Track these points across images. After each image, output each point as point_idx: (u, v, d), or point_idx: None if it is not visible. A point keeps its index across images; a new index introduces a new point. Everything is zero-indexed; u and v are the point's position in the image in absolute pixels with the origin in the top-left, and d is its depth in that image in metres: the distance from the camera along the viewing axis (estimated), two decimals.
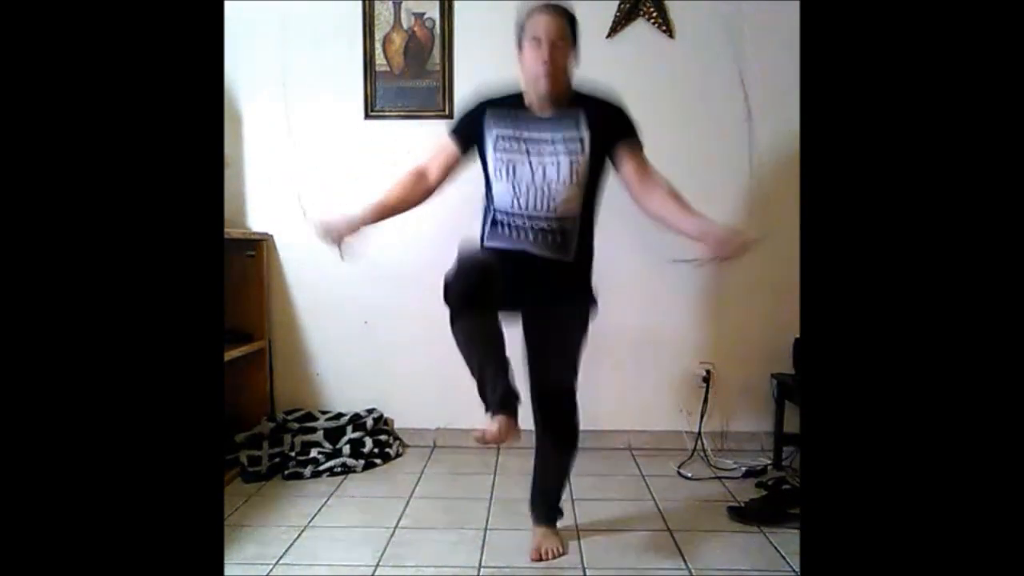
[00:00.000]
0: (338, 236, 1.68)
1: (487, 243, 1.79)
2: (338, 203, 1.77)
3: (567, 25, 1.73)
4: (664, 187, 1.77)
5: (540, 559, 1.83)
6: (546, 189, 1.71)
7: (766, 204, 2.71)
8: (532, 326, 1.81)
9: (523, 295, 1.72)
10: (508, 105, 1.80)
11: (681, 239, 1.76)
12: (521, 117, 1.76)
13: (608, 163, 1.79)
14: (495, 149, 1.76)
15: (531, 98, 1.76)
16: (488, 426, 1.61)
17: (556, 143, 1.72)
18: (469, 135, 1.80)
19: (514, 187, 1.73)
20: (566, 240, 1.73)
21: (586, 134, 1.72)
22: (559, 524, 1.96)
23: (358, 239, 1.70)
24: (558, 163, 1.71)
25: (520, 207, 1.72)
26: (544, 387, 1.82)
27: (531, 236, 1.72)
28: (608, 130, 1.75)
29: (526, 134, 1.74)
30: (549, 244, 1.72)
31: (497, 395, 1.62)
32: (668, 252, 2.65)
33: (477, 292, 1.60)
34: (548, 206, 1.71)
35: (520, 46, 1.74)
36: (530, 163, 1.72)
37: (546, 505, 1.94)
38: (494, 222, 1.78)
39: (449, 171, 1.83)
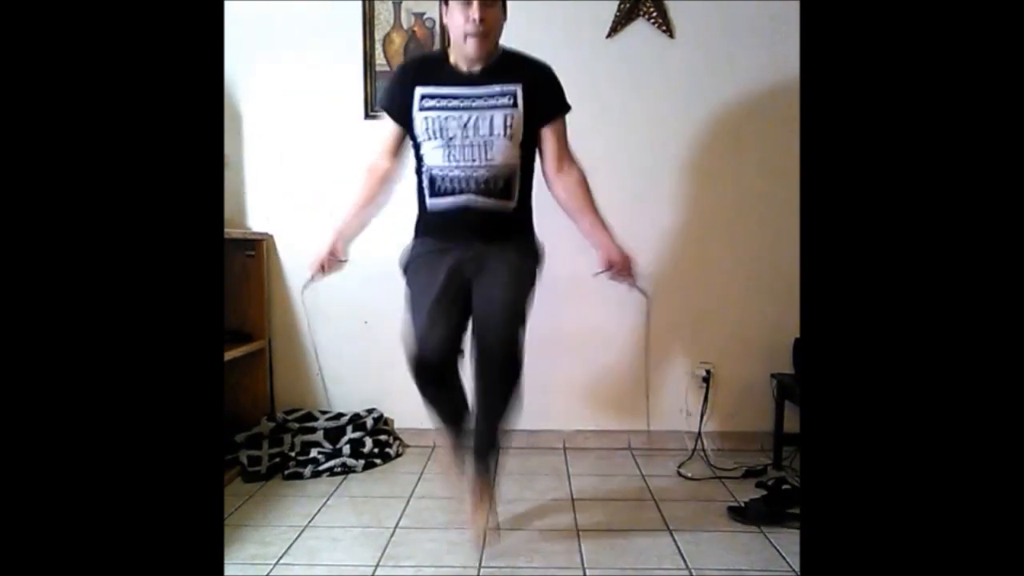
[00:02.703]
0: (328, 265, 1.78)
1: (430, 204, 1.74)
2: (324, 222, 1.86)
3: None
4: (578, 175, 1.75)
5: (472, 525, 1.82)
6: (480, 144, 1.66)
7: (766, 204, 2.71)
8: (476, 280, 1.71)
9: (468, 256, 1.68)
10: (432, 65, 1.75)
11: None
12: (447, 76, 1.70)
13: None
14: (421, 108, 1.70)
15: (457, 58, 1.70)
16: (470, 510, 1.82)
17: (487, 98, 1.67)
18: (398, 104, 1.75)
19: (446, 144, 1.68)
20: (508, 186, 1.70)
21: (519, 88, 1.67)
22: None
23: (342, 256, 1.79)
24: (491, 117, 1.66)
25: (456, 161, 1.68)
26: (486, 334, 1.68)
27: (471, 184, 1.68)
28: (539, 91, 1.71)
29: (454, 91, 1.69)
30: (491, 188, 1.68)
31: (455, 435, 1.80)
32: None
33: (441, 378, 1.69)
34: (484, 156, 1.66)
35: (446, 3, 1.68)
36: (460, 118, 1.67)
37: (487, 440, 1.81)
38: (431, 180, 1.72)
39: (397, 149, 1.81)
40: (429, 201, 1.75)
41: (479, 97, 1.68)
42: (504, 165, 1.68)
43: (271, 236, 2.80)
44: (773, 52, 2.63)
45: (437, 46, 2.69)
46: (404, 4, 2.70)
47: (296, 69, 2.74)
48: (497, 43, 1.72)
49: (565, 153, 1.75)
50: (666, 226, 2.73)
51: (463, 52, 1.67)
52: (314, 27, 2.72)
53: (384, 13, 2.71)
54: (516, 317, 1.68)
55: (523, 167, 1.73)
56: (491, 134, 1.66)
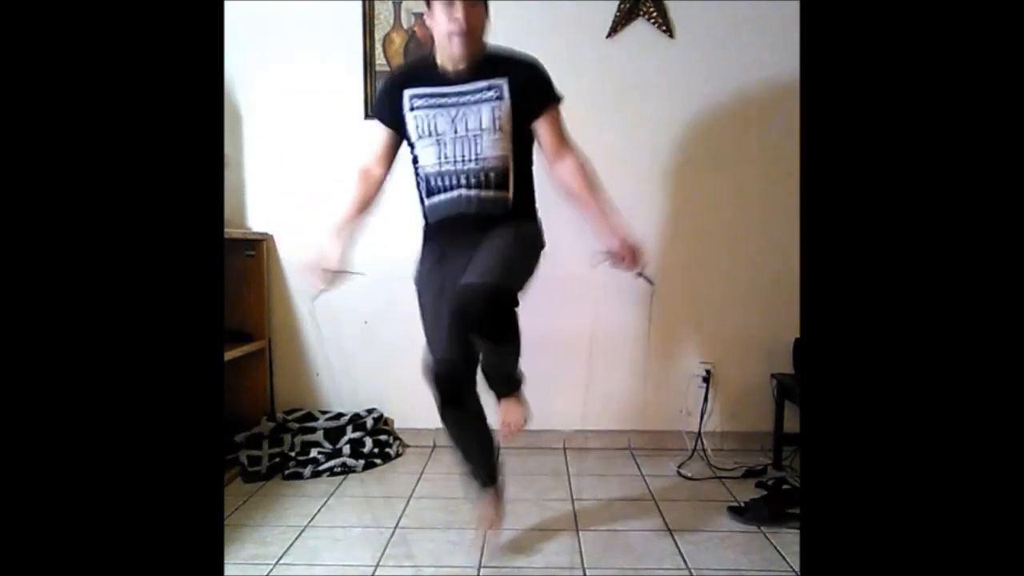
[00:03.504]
0: (332, 276, 1.69)
1: (428, 205, 1.77)
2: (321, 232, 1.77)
3: None
4: (576, 160, 1.74)
5: (509, 433, 1.80)
6: (470, 138, 1.68)
7: (766, 204, 2.71)
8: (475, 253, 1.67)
9: (468, 256, 1.65)
10: (419, 69, 1.78)
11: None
12: (435, 77, 1.73)
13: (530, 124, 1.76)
14: (412, 109, 1.73)
15: (443, 59, 1.72)
16: (482, 508, 1.88)
17: (474, 94, 1.69)
18: (389, 110, 1.77)
19: (438, 142, 1.70)
20: (502, 178, 1.71)
21: (504, 83, 1.69)
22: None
23: (346, 266, 1.72)
24: (479, 112, 1.68)
25: (448, 158, 1.70)
26: (473, 290, 1.56)
27: (463, 179, 1.69)
28: (527, 84, 1.71)
29: (442, 90, 1.71)
30: (485, 181, 1.69)
31: (484, 476, 1.85)
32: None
33: (459, 389, 1.72)
34: (474, 151, 1.68)
35: (429, 6, 1.68)
36: (449, 115, 1.69)
37: (503, 381, 1.82)
38: (427, 182, 1.74)
39: (390, 157, 1.83)
40: (426, 201, 1.76)
41: (466, 93, 1.69)
42: (495, 158, 1.69)
43: (271, 236, 2.80)
44: (773, 52, 2.63)
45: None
46: (404, 4, 2.70)
47: (296, 69, 2.74)
48: (482, 42, 1.72)
49: (562, 142, 1.76)
50: (666, 225, 2.73)
51: (448, 52, 1.68)
52: (314, 27, 2.72)
53: (384, 13, 2.71)
54: (506, 281, 1.61)
55: (516, 160, 1.73)
56: (480, 128, 1.67)
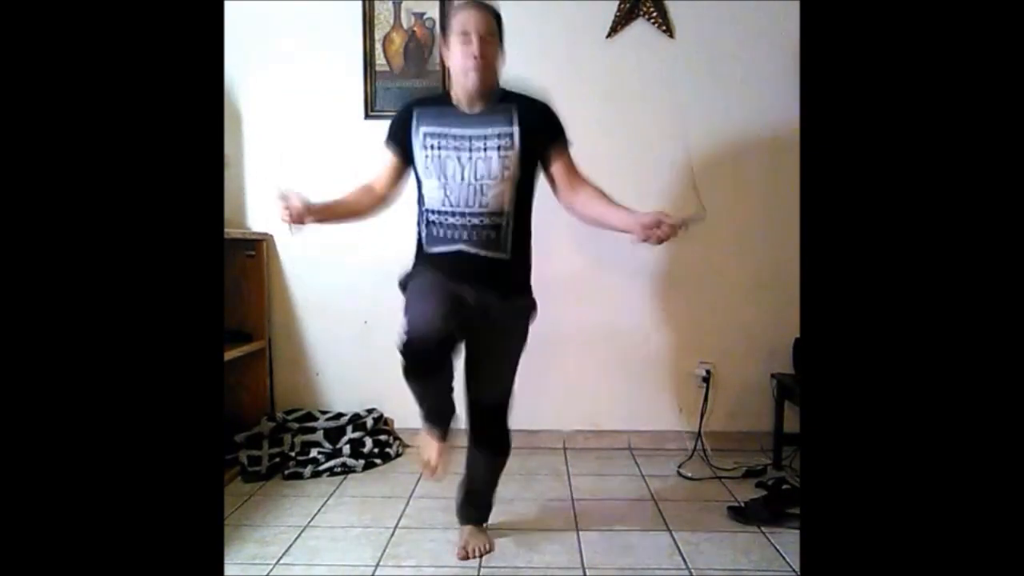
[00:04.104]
0: (296, 214, 1.65)
1: (426, 248, 1.77)
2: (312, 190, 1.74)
3: (495, 21, 1.72)
4: (592, 188, 1.77)
5: (467, 557, 1.85)
6: (476, 185, 1.69)
7: (766, 204, 2.71)
8: (472, 338, 1.75)
9: (464, 301, 1.66)
10: (435, 104, 1.80)
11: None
12: (449, 114, 1.74)
13: (539, 164, 1.78)
14: (423, 147, 1.74)
15: (459, 95, 1.74)
16: (425, 451, 1.77)
17: (485, 139, 1.71)
18: (401, 139, 1.79)
19: (444, 185, 1.71)
20: (500, 236, 1.72)
21: (516, 130, 1.71)
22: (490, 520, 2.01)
23: (305, 224, 1.67)
24: (488, 158, 1.70)
25: (451, 204, 1.71)
26: (482, 403, 1.84)
27: (464, 234, 1.70)
28: (538, 130, 1.74)
29: (454, 131, 1.72)
30: (483, 241, 1.70)
31: (441, 423, 1.76)
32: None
33: (432, 367, 1.64)
34: (478, 202, 1.69)
35: (446, 42, 1.73)
36: (459, 159, 1.71)
37: (473, 507, 1.96)
38: (428, 224, 1.76)
39: (394, 181, 1.83)
40: (426, 247, 1.78)
41: (477, 138, 1.71)
42: (498, 212, 1.71)
43: (271, 236, 2.80)
44: (773, 52, 2.63)
45: (436, 46, 2.70)
46: (404, 4, 2.70)
47: (296, 69, 2.74)
48: (497, 78, 1.75)
49: (576, 176, 1.78)
50: None
51: (464, 87, 1.71)
52: (314, 27, 2.72)
53: (384, 13, 2.71)
54: (509, 392, 1.86)
55: (518, 213, 1.74)
56: (488, 176, 1.70)
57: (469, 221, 1.70)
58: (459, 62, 1.69)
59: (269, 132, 2.77)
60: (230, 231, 2.65)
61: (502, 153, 1.70)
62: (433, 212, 1.74)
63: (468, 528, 1.93)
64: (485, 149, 1.70)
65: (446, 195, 1.71)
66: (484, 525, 1.98)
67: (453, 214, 1.72)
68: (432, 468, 1.75)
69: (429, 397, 1.74)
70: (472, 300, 1.66)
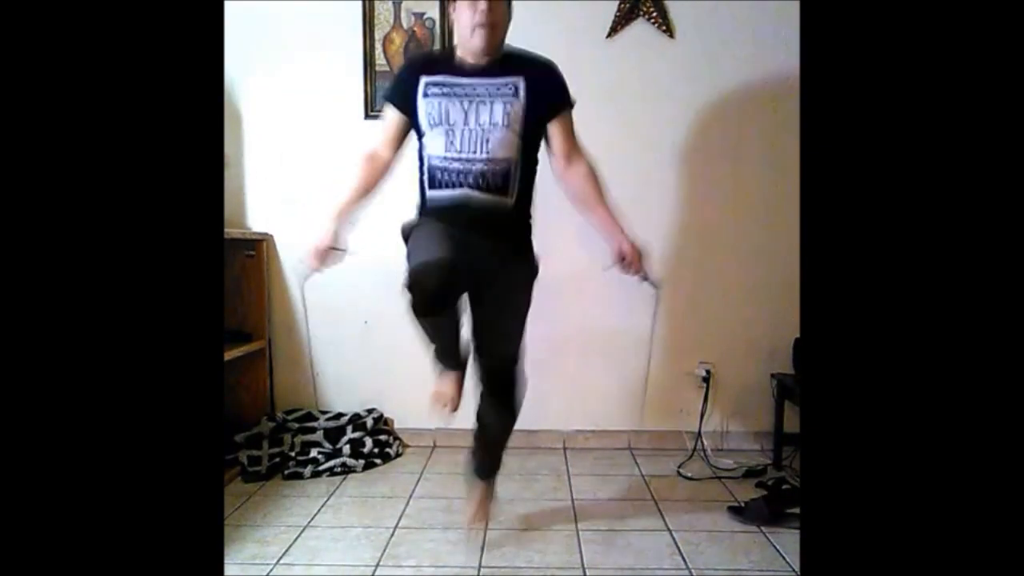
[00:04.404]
0: (326, 254, 1.70)
1: (429, 197, 1.75)
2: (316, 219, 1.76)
3: None
4: (587, 166, 1.76)
5: (473, 523, 1.92)
6: (480, 132, 1.68)
7: (766, 203, 2.71)
8: (478, 296, 1.76)
9: (468, 247, 1.65)
10: (437, 58, 1.80)
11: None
12: (453, 68, 1.74)
13: (541, 126, 1.77)
14: (425, 95, 1.72)
15: (463, 53, 1.73)
16: (440, 386, 1.83)
17: (489, 89, 1.70)
18: (403, 94, 1.77)
19: (447, 132, 1.69)
20: (506, 181, 1.71)
21: (522, 84, 1.70)
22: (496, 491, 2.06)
23: (342, 243, 1.71)
24: (491, 107, 1.68)
25: (456, 151, 1.69)
26: (492, 360, 1.84)
27: (470, 179, 1.69)
28: (543, 87, 1.72)
29: (458, 81, 1.71)
30: (488, 184, 1.69)
31: (452, 360, 1.79)
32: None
33: (439, 302, 1.60)
34: (483, 148, 1.68)
35: (453, 2, 1.71)
36: (463, 105, 1.69)
37: (480, 463, 1.99)
38: (431, 172, 1.73)
39: (398, 140, 1.81)
40: (428, 193, 1.76)
41: (482, 86, 1.70)
42: (503, 159, 1.69)
43: (271, 236, 2.80)
44: (773, 52, 2.63)
45: (437, 46, 2.70)
46: (404, 4, 2.70)
47: (296, 69, 2.74)
48: (503, 39, 1.74)
49: (573, 147, 1.78)
50: (666, 226, 2.73)
51: (470, 46, 1.69)
52: (314, 27, 2.72)
53: (384, 13, 2.71)
54: (517, 349, 1.84)
55: (523, 162, 1.73)
56: (491, 123, 1.68)
57: (475, 167, 1.68)
58: (466, 20, 1.66)
59: (269, 132, 2.77)
60: (230, 231, 2.65)
61: (505, 102, 1.69)
62: (436, 159, 1.71)
63: (480, 487, 1.98)
64: (490, 97, 1.69)
65: (449, 141, 1.69)
66: (492, 482, 2.01)
67: (458, 159, 1.69)
68: (446, 400, 1.81)
69: (438, 338, 1.77)
70: (477, 248, 1.66)
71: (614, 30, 2.67)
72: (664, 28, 2.65)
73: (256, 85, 2.75)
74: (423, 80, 1.74)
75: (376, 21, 2.71)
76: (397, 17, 2.71)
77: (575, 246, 2.67)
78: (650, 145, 2.71)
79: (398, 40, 2.72)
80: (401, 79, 1.81)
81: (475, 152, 1.68)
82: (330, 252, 1.70)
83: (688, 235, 2.73)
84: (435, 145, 1.71)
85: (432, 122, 1.71)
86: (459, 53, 1.74)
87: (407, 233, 1.75)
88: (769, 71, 2.66)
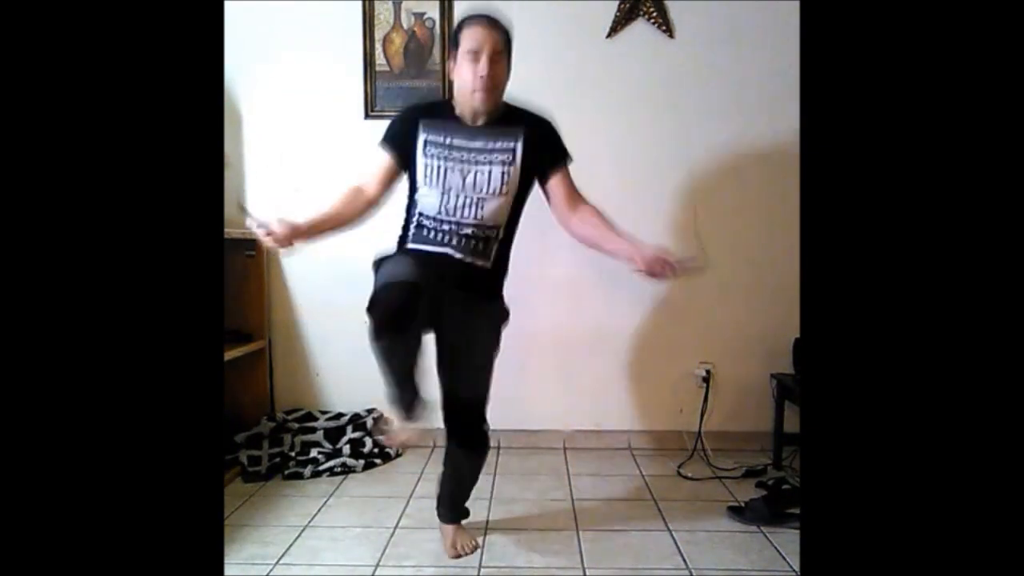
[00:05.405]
0: (282, 238, 1.66)
1: (411, 245, 1.76)
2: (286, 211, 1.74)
3: (504, 39, 1.70)
4: (591, 210, 1.77)
5: (459, 555, 1.88)
6: (474, 197, 1.71)
7: (766, 203, 2.71)
8: (447, 340, 1.80)
9: (440, 300, 1.68)
10: (438, 113, 1.78)
11: None
12: (452, 126, 1.74)
13: (534, 181, 1.79)
14: (424, 154, 1.74)
15: (463, 110, 1.74)
16: (398, 432, 1.78)
17: (488, 153, 1.72)
18: (400, 142, 1.77)
19: (442, 194, 1.72)
20: (487, 247, 1.75)
21: (519, 147, 1.72)
22: (468, 520, 2.02)
23: (295, 245, 1.68)
24: (489, 172, 1.71)
25: (448, 213, 1.72)
26: (459, 402, 1.84)
27: (455, 240, 1.72)
28: (540, 147, 1.75)
29: (457, 142, 1.73)
30: (471, 249, 1.72)
31: (407, 403, 1.75)
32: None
33: (400, 320, 1.60)
34: (475, 214, 1.71)
35: (453, 56, 1.72)
36: (460, 171, 1.71)
37: (453, 505, 1.97)
38: (419, 226, 1.76)
39: (387, 183, 1.80)
40: (411, 242, 1.78)
41: (480, 151, 1.72)
42: (491, 226, 1.73)
43: None
44: (773, 52, 2.63)
45: (437, 47, 2.70)
46: (404, 4, 2.70)
47: (296, 69, 2.74)
48: (502, 96, 1.75)
49: (575, 195, 1.79)
50: (666, 226, 2.73)
51: (469, 104, 1.71)
52: (314, 27, 2.72)
53: (384, 13, 2.71)
54: (485, 391, 1.84)
55: (507, 227, 1.77)
56: (487, 190, 1.71)
57: (462, 230, 1.72)
58: (467, 80, 1.67)
59: (269, 132, 2.77)
60: (230, 231, 2.64)
61: (504, 168, 1.71)
62: (427, 217, 1.75)
63: (452, 528, 1.94)
64: (488, 163, 1.72)
65: (443, 204, 1.72)
66: (462, 524, 1.98)
67: (448, 221, 1.73)
68: (394, 441, 1.79)
69: (396, 369, 1.71)
70: (447, 288, 1.68)
71: (614, 30, 2.67)
72: (664, 28, 2.65)
73: (256, 85, 2.75)
74: (422, 135, 1.74)
75: (376, 21, 2.71)
76: (397, 17, 2.71)
77: (573, 248, 2.67)
78: (650, 145, 2.71)
79: (398, 40, 2.72)
80: (401, 125, 1.79)
81: (466, 216, 1.71)
82: (280, 241, 1.65)
83: (688, 235, 2.73)
84: (429, 203, 1.74)
85: (429, 182, 1.73)
86: (458, 108, 1.75)
87: (378, 264, 1.74)
88: (769, 71, 2.65)
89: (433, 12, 2.69)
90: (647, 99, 2.70)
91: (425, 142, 1.74)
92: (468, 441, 1.89)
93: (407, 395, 1.73)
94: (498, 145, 1.72)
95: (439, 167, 1.72)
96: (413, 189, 1.79)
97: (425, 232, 1.75)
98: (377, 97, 2.73)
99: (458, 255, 1.72)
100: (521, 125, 1.74)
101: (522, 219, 1.83)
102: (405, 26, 2.71)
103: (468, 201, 1.71)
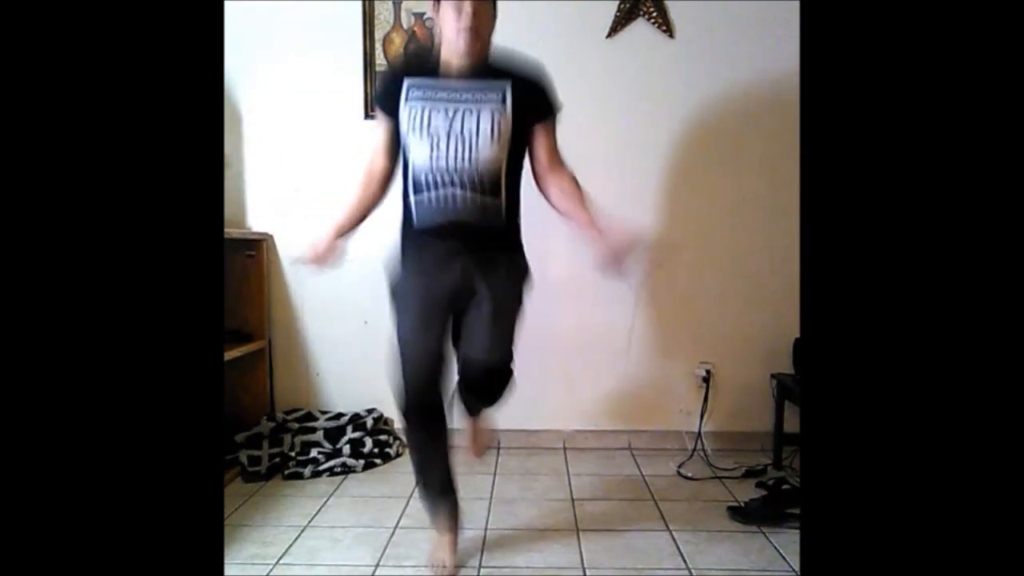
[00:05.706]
0: (323, 258, 1.74)
1: (415, 201, 1.67)
2: (317, 223, 1.79)
3: None
4: (569, 176, 1.73)
5: (478, 456, 1.99)
6: (465, 141, 1.62)
7: (766, 204, 2.71)
8: (470, 308, 1.72)
9: (456, 289, 1.67)
10: (422, 59, 1.76)
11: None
12: (435, 71, 1.70)
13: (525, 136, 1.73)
14: (407, 99, 1.67)
15: (448, 57, 1.69)
16: (439, 552, 1.80)
17: (476, 95, 1.65)
18: (390, 100, 1.71)
19: (431, 139, 1.62)
20: (494, 184, 1.65)
21: (508, 90, 1.66)
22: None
23: (340, 251, 1.75)
24: (478, 115, 1.63)
25: (440, 161, 1.62)
26: (485, 362, 1.73)
27: (455, 179, 1.62)
28: (530, 97, 1.69)
29: (441, 83, 1.67)
30: (475, 185, 1.62)
31: (446, 511, 1.80)
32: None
33: (430, 402, 1.69)
34: (470, 158, 1.61)
35: (437, 7, 1.68)
36: (446, 113, 1.63)
37: (476, 405, 1.96)
38: (415, 180, 1.66)
39: (393, 147, 1.75)
40: (412, 198, 1.68)
41: (467, 91, 1.65)
42: (490, 164, 1.64)
43: (271, 236, 2.80)
44: (773, 52, 2.64)
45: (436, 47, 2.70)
46: (404, 4, 2.70)
47: (296, 69, 2.74)
48: (488, 42, 1.70)
49: (555, 153, 1.74)
50: (666, 225, 2.73)
51: (455, 49, 1.66)
52: (314, 27, 2.72)
53: (384, 13, 2.71)
54: (511, 350, 1.77)
55: (509, 167, 1.67)
56: (477, 132, 1.62)
57: (461, 169, 1.62)
58: (451, 23, 1.64)
59: (269, 132, 2.77)
60: (230, 231, 2.65)
61: (494, 112, 1.63)
62: (421, 172, 1.64)
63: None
64: (476, 104, 1.64)
65: (434, 149, 1.62)
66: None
67: (443, 172, 1.62)
68: (444, 567, 1.76)
69: (434, 463, 1.80)
70: (466, 259, 1.67)
71: (614, 30, 2.67)
72: (664, 28, 2.65)
73: (256, 85, 2.75)
74: (406, 83, 1.69)
75: (376, 21, 2.71)
76: (397, 17, 2.71)
77: (573, 246, 2.67)
78: (650, 145, 2.71)
79: (398, 40, 2.72)
80: (386, 84, 1.76)
81: (461, 161, 1.62)
82: (327, 257, 1.74)
83: (688, 234, 2.73)
84: (418, 153, 1.64)
85: (413, 128, 1.65)
86: (444, 55, 1.70)
87: (392, 285, 1.77)
88: (769, 71, 2.66)
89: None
90: (646, 99, 2.70)
91: (408, 88, 1.68)
92: (485, 398, 1.89)
93: (447, 500, 1.82)
94: (486, 87, 1.66)
95: (422, 111, 1.64)
96: (404, 151, 1.70)
97: (421, 180, 1.65)
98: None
99: (464, 194, 1.63)
100: (511, 69, 1.70)
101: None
102: (405, 26, 2.71)
103: (458, 145, 1.61)
